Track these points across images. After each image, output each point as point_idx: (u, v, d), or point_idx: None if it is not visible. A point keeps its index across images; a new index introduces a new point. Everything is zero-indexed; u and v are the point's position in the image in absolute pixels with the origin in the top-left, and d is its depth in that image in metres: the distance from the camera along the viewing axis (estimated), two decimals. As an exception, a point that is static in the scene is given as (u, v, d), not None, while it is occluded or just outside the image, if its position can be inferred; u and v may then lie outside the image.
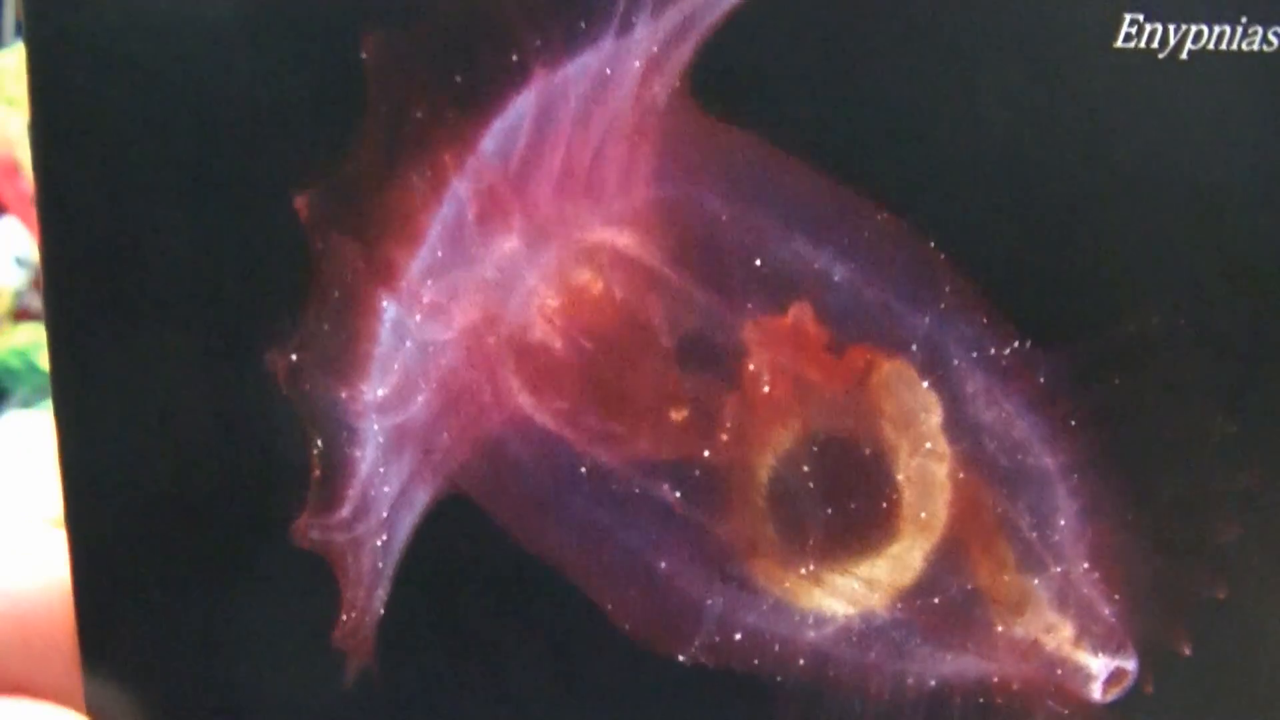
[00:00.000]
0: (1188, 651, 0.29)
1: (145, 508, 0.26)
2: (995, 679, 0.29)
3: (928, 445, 0.28)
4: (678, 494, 0.27)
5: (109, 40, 0.25)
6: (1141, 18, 0.26)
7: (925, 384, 0.27)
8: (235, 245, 0.25)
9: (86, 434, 0.26)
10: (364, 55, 0.25)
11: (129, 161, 0.25)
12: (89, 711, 0.27)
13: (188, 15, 0.24)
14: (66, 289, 0.25)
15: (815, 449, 0.27)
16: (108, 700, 0.28)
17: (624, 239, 0.26)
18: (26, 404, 0.92)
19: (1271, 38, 0.27)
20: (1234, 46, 0.27)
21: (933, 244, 0.27)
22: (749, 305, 0.27)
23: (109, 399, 0.26)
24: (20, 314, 0.99)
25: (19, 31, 1.15)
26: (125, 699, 0.28)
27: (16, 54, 1.07)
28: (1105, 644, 0.29)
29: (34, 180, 0.25)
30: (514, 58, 0.25)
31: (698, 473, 0.27)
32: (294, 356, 0.26)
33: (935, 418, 0.28)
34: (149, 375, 0.26)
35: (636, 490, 0.27)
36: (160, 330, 0.26)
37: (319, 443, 0.26)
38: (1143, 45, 0.27)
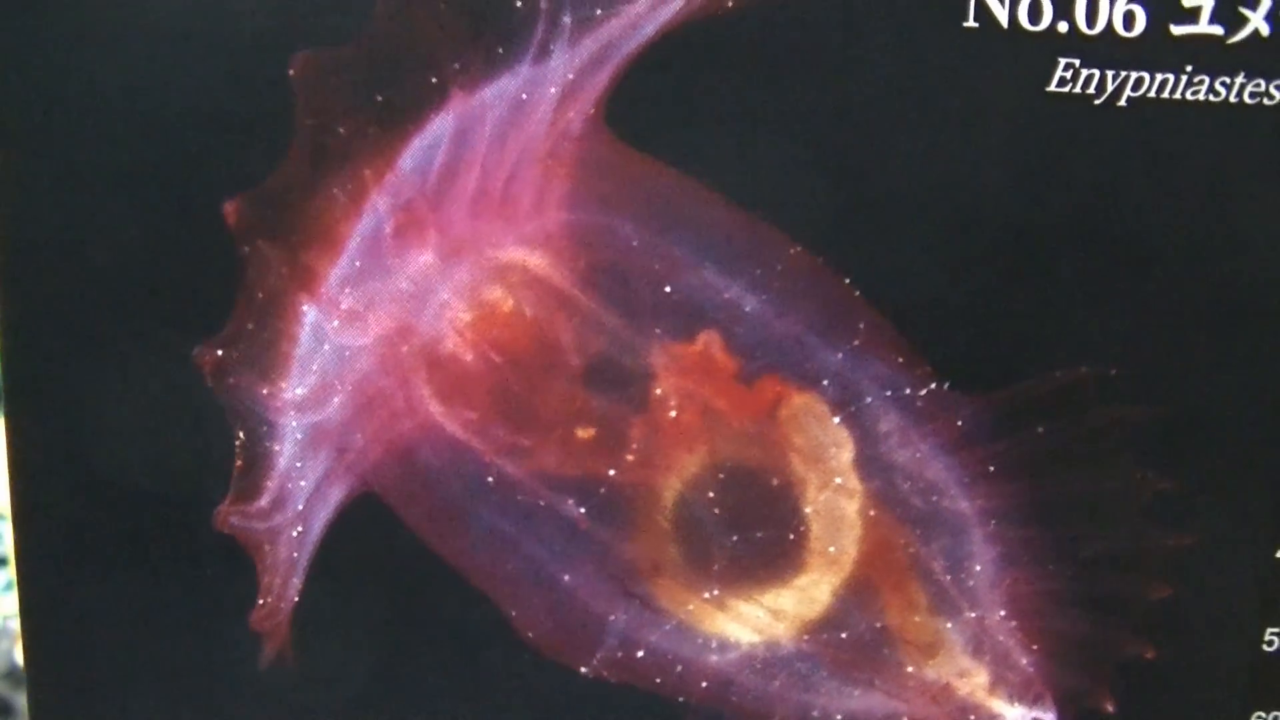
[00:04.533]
0: (1110, 709, 0.32)
1: (81, 492, 0.31)
2: (905, 719, 0.32)
3: (838, 481, 0.31)
4: (582, 510, 0.31)
5: (56, 56, 0.29)
6: (1077, 62, 0.29)
7: (836, 419, 0.30)
8: (169, 248, 0.30)
9: (32, 420, 0.31)
10: (291, 73, 0.29)
11: (74, 167, 0.30)
12: (29, 685, 0.33)
13: (129, 32, 0.29)
14: (16, 283, 0.30)
15: (722, 476, 0.31)
16: (45, 674, 0.33)
17: (535, 259, 0.30)
18: None
19: (1219, 88, 0.29)
20: (1176, 95, 0.29)
21: (848, 281, 0.30)
22: (658, 330, 0.30)
23: (54, 388, 0.31)
24: None
25: None
26: (60, 673, 0.33)
27: None
28: (1022, 694, 0.32)
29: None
30: (433, 80, 0.29)
31: (603, 491, 0.31)
32: (220, 352, 0.30)
33: (846, 454, 0.31)
34: (89, 367, 0.31)
35: (542, 503, 0.31)
36: (98, 325, 0.30)
37: (241, 435, 0.31)
38: (1078, 90, 0.29)
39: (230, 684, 0.32)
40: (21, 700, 0.89)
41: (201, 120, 0.29)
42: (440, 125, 0.29)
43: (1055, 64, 0.29)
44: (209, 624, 0.32)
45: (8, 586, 0.93)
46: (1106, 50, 0.28)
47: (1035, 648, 0.31)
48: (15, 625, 0.88)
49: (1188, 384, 0.30)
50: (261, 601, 0.31)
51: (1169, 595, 0.31)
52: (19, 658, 0.89)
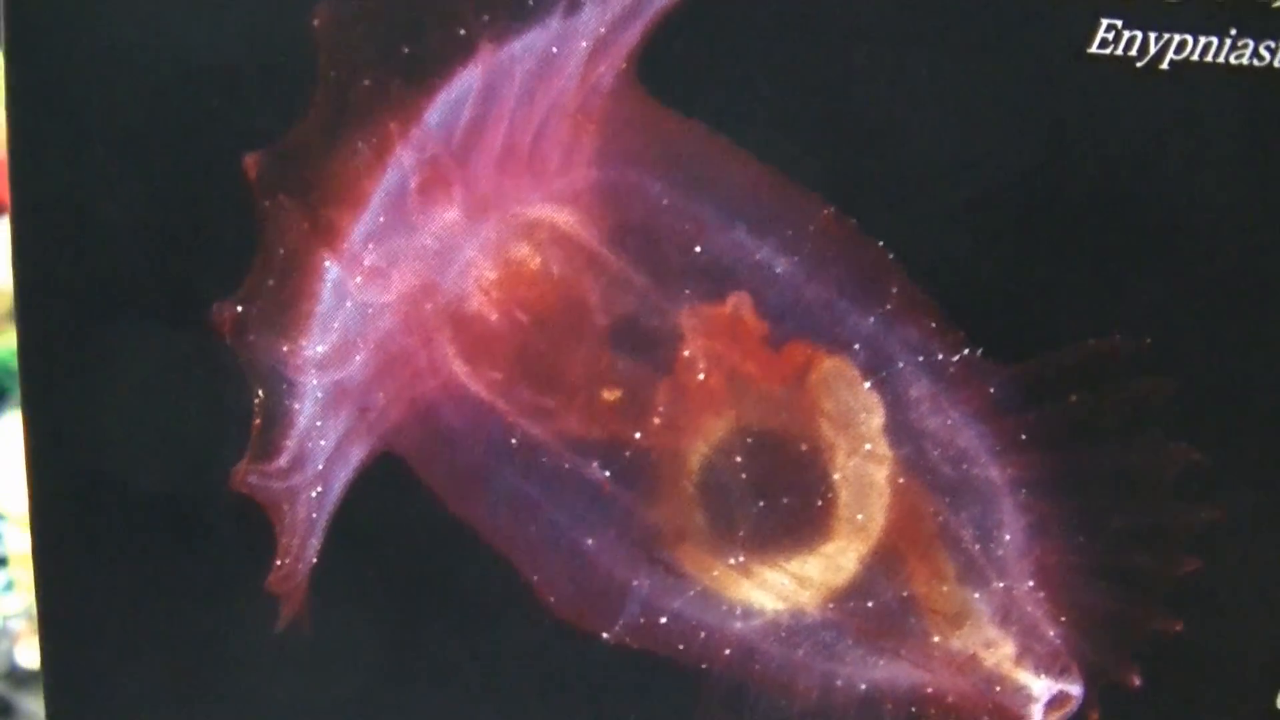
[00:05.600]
0: (1137, 683, 0.32)
1: (97, 451, 0.31)
2: (929, 690, 0.32)
3: (867, 447, 0.31)
4: (607, 474, 0.31)
5: (76, 8, 0.29)
6: (1120, 23, 0.29)
7: (867, 385, 0.30)
8: (188, 202, 0.30)
9: (48, 378, 0.31)
10: (315, 24, 0.29)
11: (92, 120, 0.29)
12: (42, 646, 0.33)
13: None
14: (33, 238, 0.30)
15: (749, 441, 0.31)
16: (59, 635, 0.33)
17: (563, 217, 0.30)
18: None
19: (1264, 52, 0.29)
20: (1220, 59, 0.29)
21: (881, 245, 0.30)
22: (686, 291, 0.30)
23: (71, 345, 0.31)
24: None
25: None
26: (74, 634, 0.33)
27: None
28: (1049, 666, 0.32)
29: (7, 137, 0.30)
30: (460, 32, 0.29)
31: (628, 454, 0.31)
32: (239, 308, 0.30)
33: (876, 419, 0.31)
34: (105, 323, 0.31)
35: (566, 466, 0.31)
36: (116, 280, 0.30)
37: (260, 393, 0.31)
38: (1119, 52, 0.29)
39: (245, 648, 0.32)
40: (21, 700, 0.90)
41: (223, 72, 0.29)
42: (467, 79, 0.29)
43: (1097, 25, 0.28)
44: (225, 586, 0.32)
45: (7, 587, 0.93)
46: (1149, 12, 0.28)
47: (1063, 620, 0.31)
48: (16, 625, 0.88)
49: (1221, 356, 0.30)
50: (279, 563, 0.32)
51: (1198, 569, 0.31)
52: (19, 658, 0.90)
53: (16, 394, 0.96)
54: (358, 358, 0.30)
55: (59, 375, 0.31)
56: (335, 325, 0.30)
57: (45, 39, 0.29)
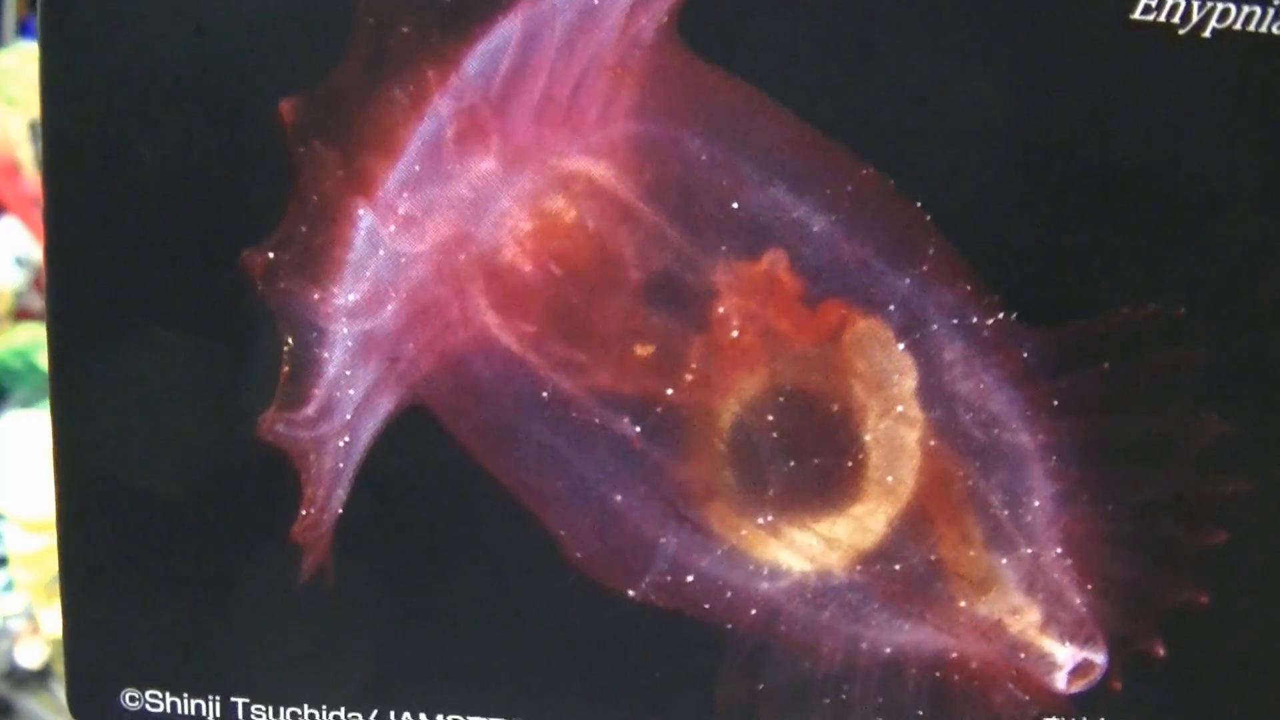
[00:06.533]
0: (1161, 654, 0.32)
1: (124, 395, 0.32)
2: (954, 655, 0.33)
3: (899, 409, 0.31)
4: (637, 429, 0.31)
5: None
6: (1165, -11, 0.29)
7: (901, 346, 0.31)
8: (222, 147, 0.30)
9: (76, 322, 0.31)
10: (355, -33, 0.29)
11: (125, 64, 0.30)
12: (63, 592, 0.33)
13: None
14: (64, 182, 0.30)
15: (781, 400, 0.31)
16: (81, 583, 0.33)
17: (600, 170, 0.30)
18: (26, 404, 1.00)
19: (1309, 21, 0.29)
20: (1264, 29, 0.29)
21: (919, 206, 0.30)
22: (722, 248, 0.30)
23: (100, 288, 0.31)
24: (20, 314, 1.07)
25: (20, 32, 1.23)
26: (96, 580, 0.33)
27: (17, 54, 1.15)
28: (1074, 634, 0.32)
29: (40, 84, 0.30)
30: (502, -20, 0.29)
31: (659, 410, 0.31)
32: (271, 255, 0.30)
33: (909, 381, 0.31)
34: (136, 267, 0.31)
35: (596, 421, 0.31)
36: (146, 225, 0.30)
37: (290, 340, 0.31)
38: (1162, 19, 0.29)
39: (268, 597, 0.33)
40: (21, 700, 0.90)
41: (258, 17, 0.29)
42: (507, 29, 0.29)
43: (1142, -11, 0.29)
44: (249, 535, 0.32)
45: (7, 587, 0.94)
46: (1194, -22, 0.29)
47: (1089, 588, 0.32)
48: (16, 625, 0.89)
49: (1254, 329, 0.30)
50: (304, 512, 0.32)
51: (1224, 541, 0.31)
52: (19, 658, 0.90)
53: (16, 394, 0.96)
54: (389, 307, 0.31)
55: (89, 318, 0.31)
56: (367, 274, 0.30)
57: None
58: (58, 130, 0.30)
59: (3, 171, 1.08)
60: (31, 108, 1.05)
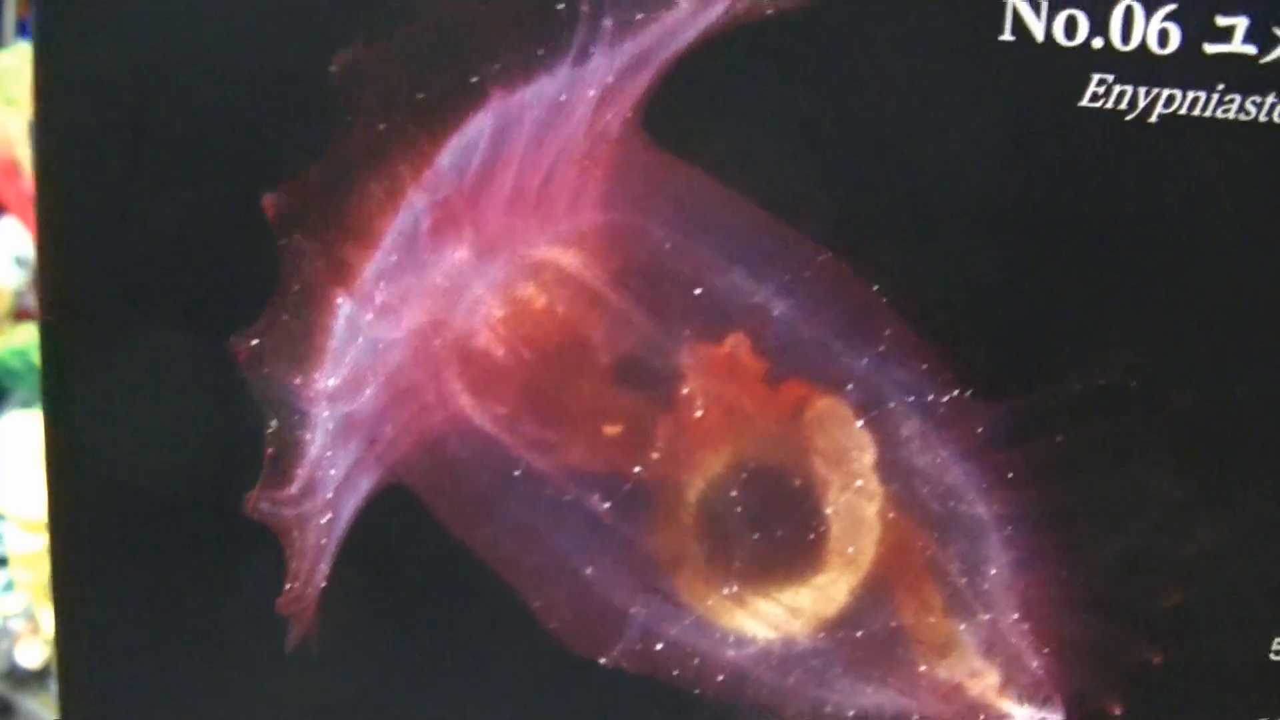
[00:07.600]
0: (1118, 712, 0.34)
1: (114, 474, 0.33)
2: (915, 718, 0.34)
3: (859, 483, 0.33)
4: (607, 505, 0.33)
5: (107, 43, 0.31)
6: (1110, 78, 0.30)
7: (859, 423, 0.32)
8: (209, 237, 0.32)
9: (66, 401, 0.33)
10: (333, 70, 0.30)
11: (115, 155, 0.31)
12: (59, 661, 0.34)
13: (169, 25, 0.30)
14: (55, 267, 0.32)
15: (745, 475, 0.33)
16: (74, 650, 0.35)
17: (569, 258, 0.31)
18: (26, 404, 1.01)
19: (1249, 106, 0.30)
20: (1208, 113, 0.30)
21: (875, 288, 0.31)
22: (687, 331, 0.32)
23: (90, 371, 0.33)
24: (20, 314, 1.08)
25: (19, 32, 1.25)
26: (89, 650, 0.35)
27: (16, 54, 1.16)
28: (1031, 695, 0.34)
29: (33, 167, 0.31)
30: (473, 80, 0.30)
31: (628, 487, 0.33)
32: (255, 342, 0.32)
33: (868, 457, 0.32)
34: (125, 351, 0.32)
35: (568, 498, 0.33)
36: (135, 311, 0.32)
37: (274, 423, 0.33)
38: (1109, 106, 0.30)
39: (256, 666, 0.34)
40: (21, 700, 0.91)
41: (244, 115, 0.31)
42: (479, 125, 0.31)
43: (1088, 79, 0.30)
44: (237, 607, 0.34)
45: (7, 587, 0.95)
46: (1140, 67, 0.30)
47: (1046, 650, 0.33)
48: (16, 625, 0.90)
49: (1206, 396, 0.32)
50: (289, 585, 0.33)
51: (1180, 603, 0.33)
52: (19, 658, 0.91)
53: (17, 394, 0.97)
54: (368, 391, 0.32)
55: (80, 393, 0.33)
56: (347, 359, 0.32)
57: (72, 73, 0.31)
58: (49, 217, 0.32)
59: (3, 171, 1.09)
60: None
